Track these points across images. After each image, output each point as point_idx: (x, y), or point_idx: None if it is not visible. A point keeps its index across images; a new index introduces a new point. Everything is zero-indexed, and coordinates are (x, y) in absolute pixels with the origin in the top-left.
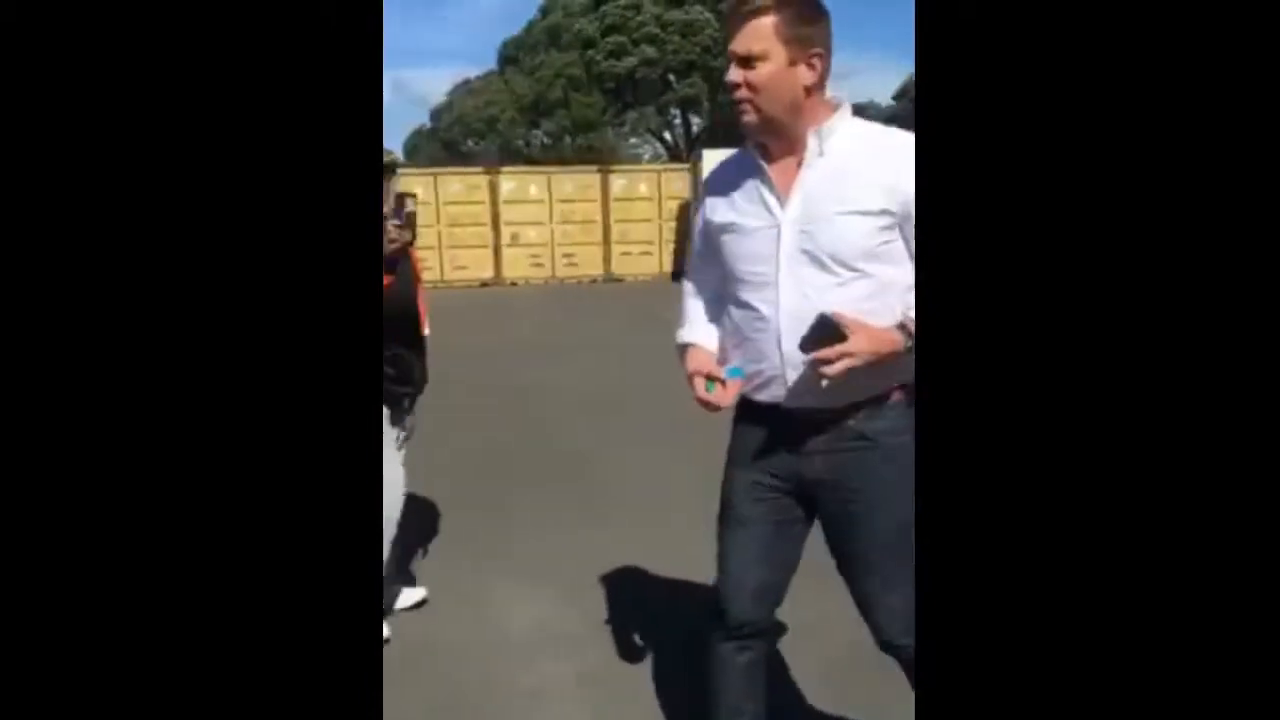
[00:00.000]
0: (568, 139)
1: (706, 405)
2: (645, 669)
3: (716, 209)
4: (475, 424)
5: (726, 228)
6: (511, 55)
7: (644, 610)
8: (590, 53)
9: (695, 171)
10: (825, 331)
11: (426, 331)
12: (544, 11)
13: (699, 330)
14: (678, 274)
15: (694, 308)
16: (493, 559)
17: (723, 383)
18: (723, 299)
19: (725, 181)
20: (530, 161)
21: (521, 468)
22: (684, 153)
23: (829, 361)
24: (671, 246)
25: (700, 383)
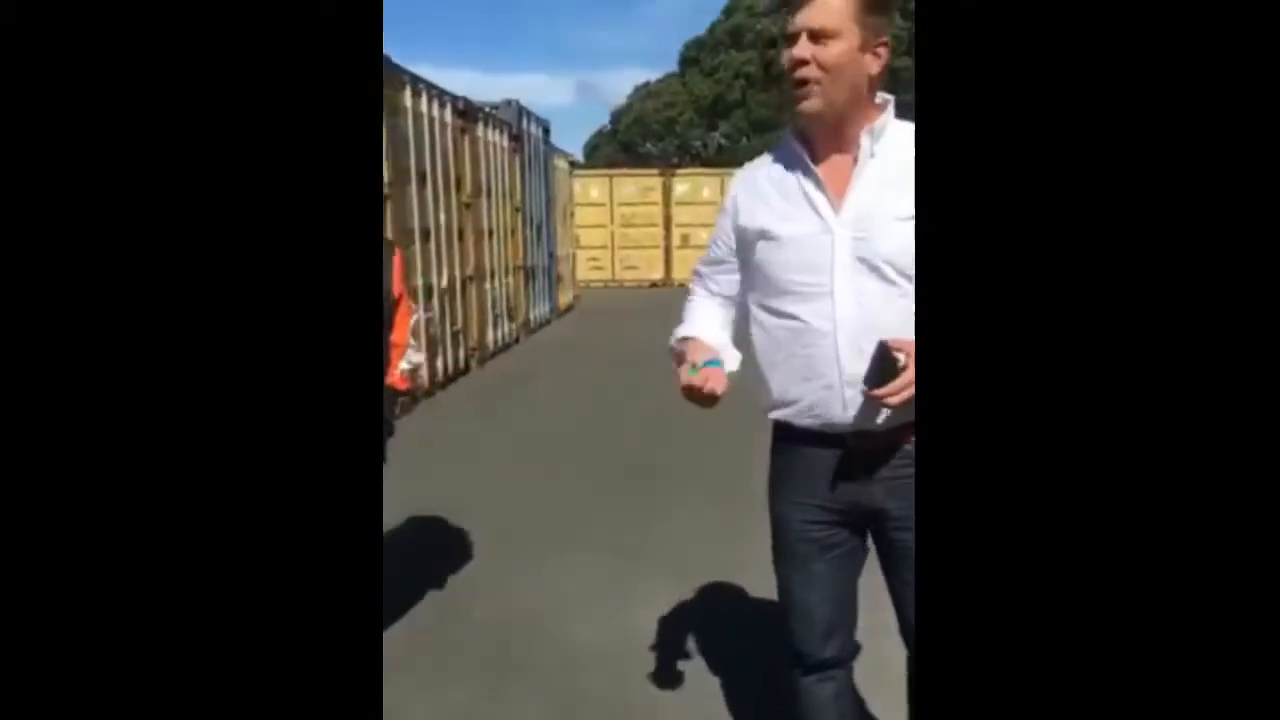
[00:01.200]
0: (744, 140)
1: (690, 393)
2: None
3: (753, 213)
4: (629, 429)
5: (765, 234)
6: (692, 57)
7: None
8: (771, 51)
9: None
10: (885, 363)
11: (408, 344)
12: (727, 12)
13: (699, 327)
14: None
15: (700, 311)
16: (634, 561)
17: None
18: (742, 308)
19: (761, 182)
20: (706, 163)
21: (672, 475)
22: None
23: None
24: None
25: (685, 369)
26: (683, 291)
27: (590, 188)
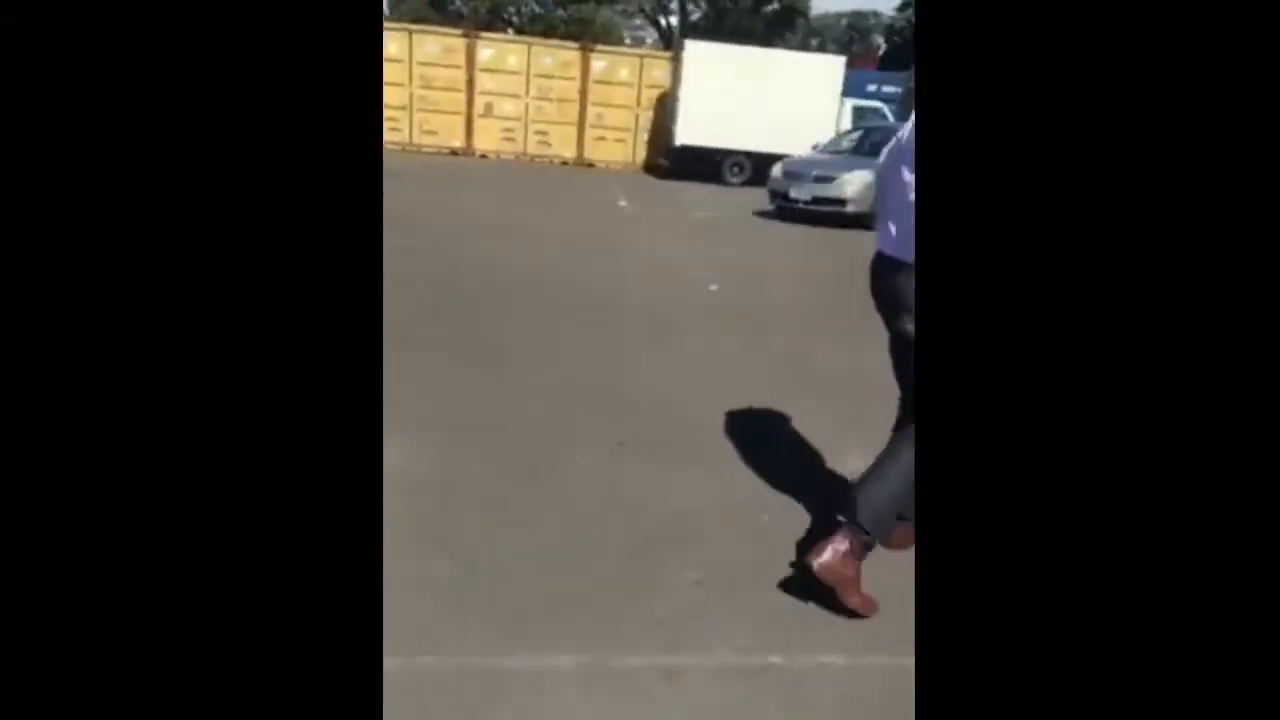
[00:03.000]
0: (560, 9)
1: None
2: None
3: None
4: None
5: None
6: None
7: (495, 448)
8: None
9: (677, 61)
10: None
11: None
12: None
13: None
14: (650, 166)
15: None
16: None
17: None
18: None
19: None
20: (519, 31)
21: (435, 330)
22: (674, 40)
23: None
24: (646, 136)
25: None
26: (485, 162)
27: (388, 42)
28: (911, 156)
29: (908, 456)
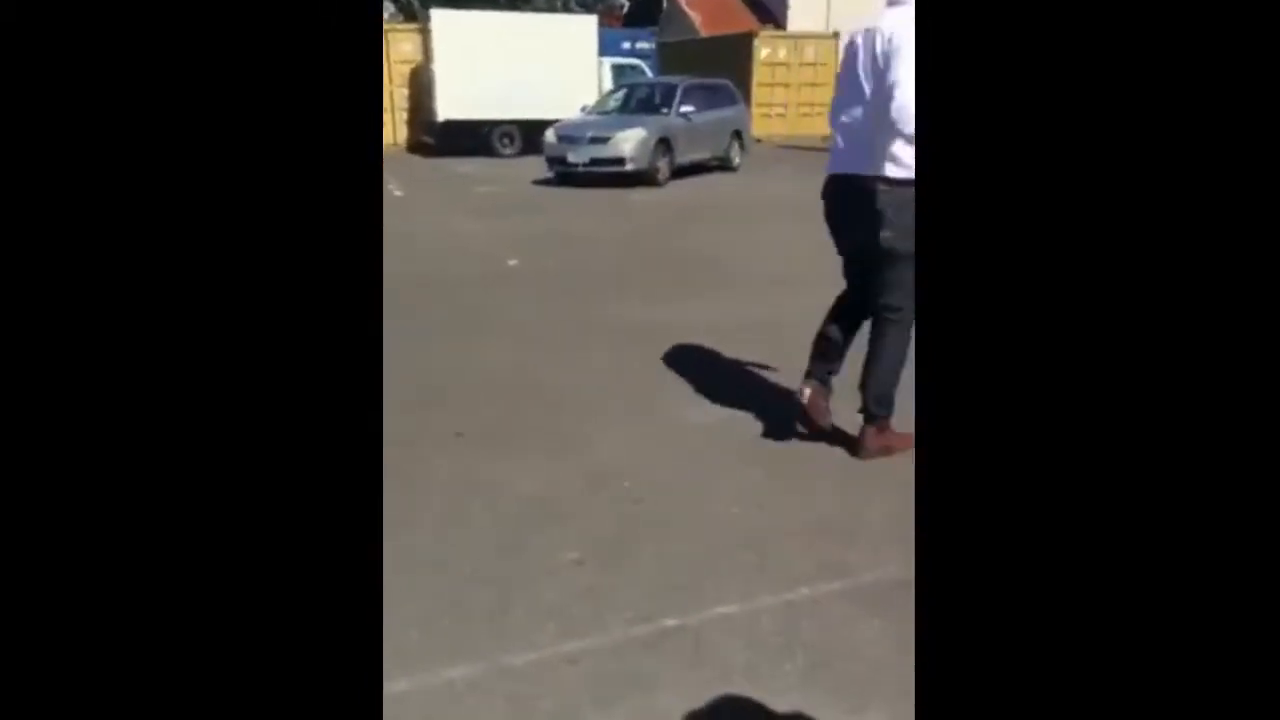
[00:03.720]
0: None
1: None
2: None
3: None
4: None
5: None
6: None
7: None
8: None
9: (425, 33)
10: None
11: None
12: None
13: None
14: (415, 145)
15: None
16: None
17: None
18: None
19: None
20: None
21: None
22: (416, 12)
23: None
24: (405, 115)
25: None
26: None
27: None
28: (867, 69)
29: (893, 338)
